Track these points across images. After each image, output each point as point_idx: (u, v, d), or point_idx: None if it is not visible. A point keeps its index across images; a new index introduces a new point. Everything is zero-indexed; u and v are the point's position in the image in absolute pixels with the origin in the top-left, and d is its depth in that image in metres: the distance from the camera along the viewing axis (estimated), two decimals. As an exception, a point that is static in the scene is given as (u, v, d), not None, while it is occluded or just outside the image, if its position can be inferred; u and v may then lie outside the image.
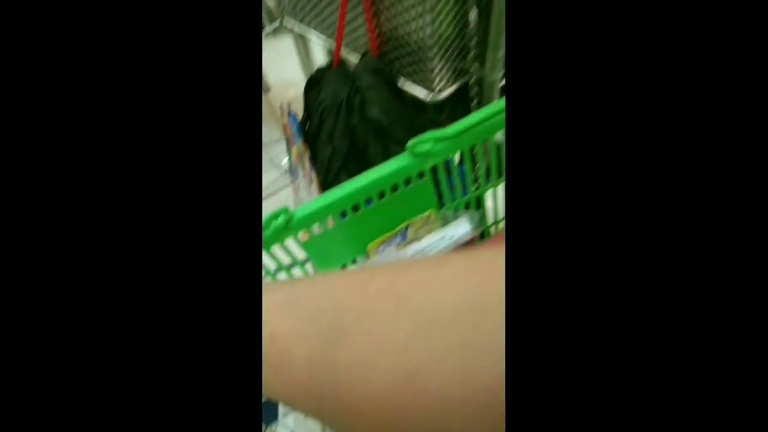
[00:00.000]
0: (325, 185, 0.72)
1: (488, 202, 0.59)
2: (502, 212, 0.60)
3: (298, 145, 0.82)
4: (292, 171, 0.94)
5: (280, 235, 0.46)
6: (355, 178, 0.47)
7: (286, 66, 1.46)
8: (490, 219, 0.61)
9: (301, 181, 0.88)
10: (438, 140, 0.44)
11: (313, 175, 0.78)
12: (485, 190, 0.56)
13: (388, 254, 0.49)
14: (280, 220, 0.45)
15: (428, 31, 0.54)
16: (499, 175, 0.55)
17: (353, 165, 0.71)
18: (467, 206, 0.56)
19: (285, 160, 1.48)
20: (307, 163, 0.80)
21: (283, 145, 1.57)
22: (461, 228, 0.49)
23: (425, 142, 0.44)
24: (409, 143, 0.44)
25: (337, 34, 0.70)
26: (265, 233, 0.46)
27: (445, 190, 0.52)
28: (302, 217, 0.46)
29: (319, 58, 1.04)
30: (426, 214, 0.53)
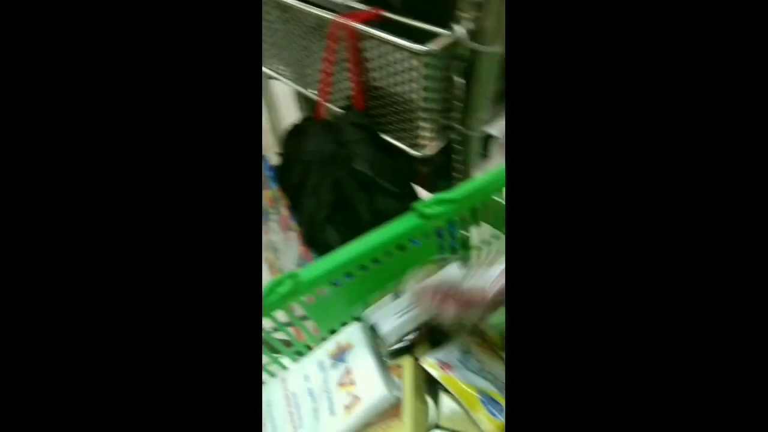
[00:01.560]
0: (309, 237, 0.70)
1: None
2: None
3: (273, 190, 0.80)
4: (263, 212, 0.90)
5: (283, 301, 0.44)
6: (363, 239, 0.47)
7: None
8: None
9: (274, 225, 0.85)
10: (444, 202, 0.46)
11: (292, 224, 0.75)
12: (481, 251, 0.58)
13: (388, 307, 0.49)
14: (286, 287, 0.43)
15: (419, 92, 0.57)
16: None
17: (338, 217, 0.70)
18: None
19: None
20: (284, 210, 0.77)
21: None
22: (454, 274, 0.50)
23: (432, 204, 0.46)
24: (417, 205, 0.46)
25: (320, 86, 0.70)
26: (268, 300, 0.43)
27: (448, 250, 0.53)
28: (309, 280, 0.44)
29: (286, 101, 1.03)
30: (426, 268, 0.53)
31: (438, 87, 0.58)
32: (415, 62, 0.54)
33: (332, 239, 0.70)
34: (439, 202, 0.46)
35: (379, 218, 0.51)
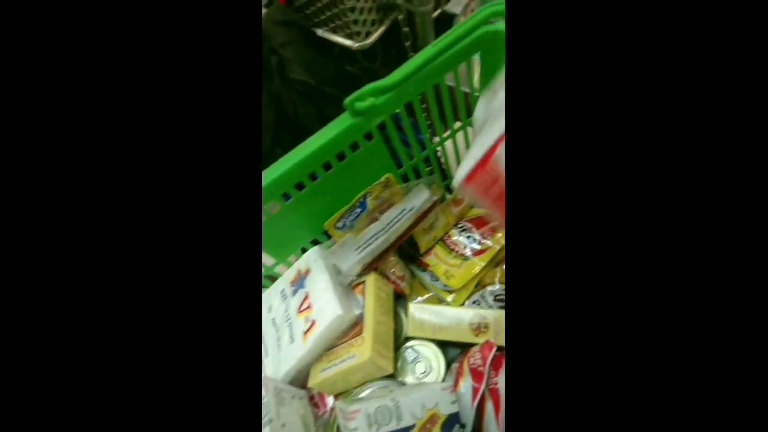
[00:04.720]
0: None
1: (450, 155, 0.55)
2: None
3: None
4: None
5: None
6: (293, 152, 0.41)
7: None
8: (454, 171, 0.57)
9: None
10: (378, 92, 0.38)
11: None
12: (443, 141, 0.51)
13: (347, 245, 0.44)
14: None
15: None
16: (456, 119, 0.50)
17: (287, 137, 0.63)
18: (427, 161, 0.52)
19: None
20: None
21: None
22: (420, 197, 0.44)
23: (364, 96, 0.38)
24: (347, 101, 0.38)
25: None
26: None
27: (399, 147, 0.46)
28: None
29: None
30: (383, 178, 0.47)
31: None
32: None
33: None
34: (372, 92, 0.38)
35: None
